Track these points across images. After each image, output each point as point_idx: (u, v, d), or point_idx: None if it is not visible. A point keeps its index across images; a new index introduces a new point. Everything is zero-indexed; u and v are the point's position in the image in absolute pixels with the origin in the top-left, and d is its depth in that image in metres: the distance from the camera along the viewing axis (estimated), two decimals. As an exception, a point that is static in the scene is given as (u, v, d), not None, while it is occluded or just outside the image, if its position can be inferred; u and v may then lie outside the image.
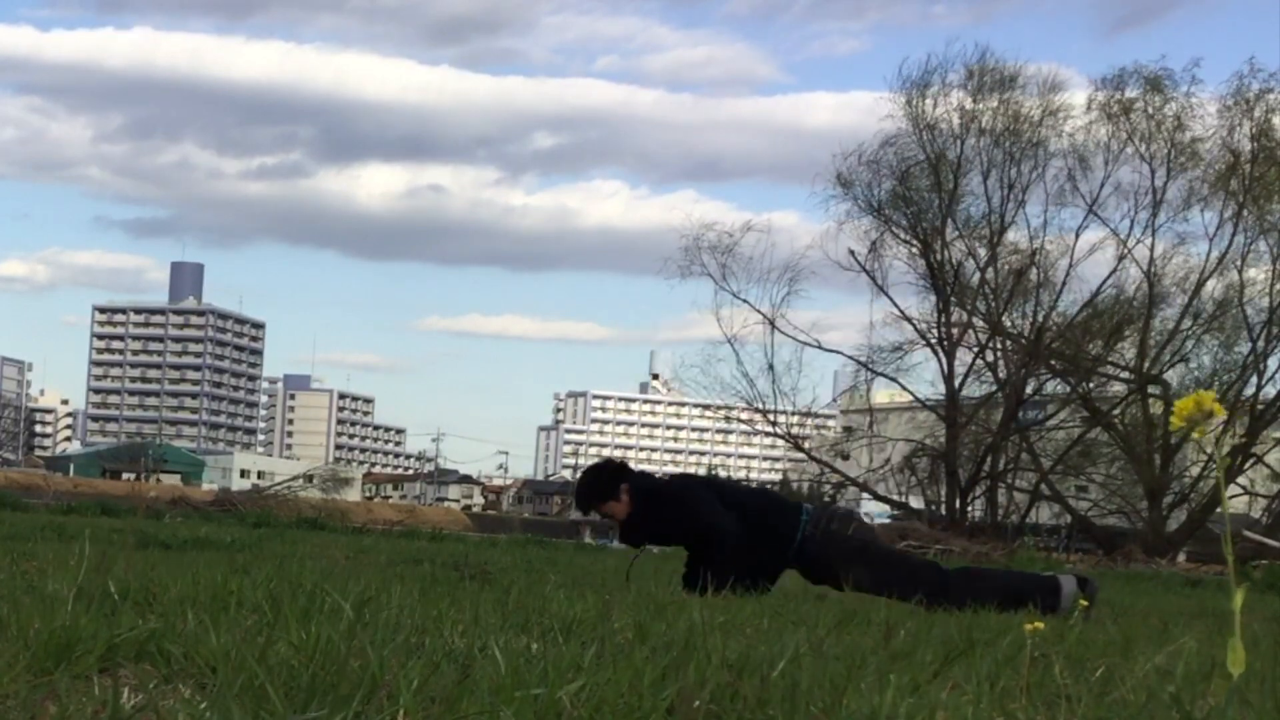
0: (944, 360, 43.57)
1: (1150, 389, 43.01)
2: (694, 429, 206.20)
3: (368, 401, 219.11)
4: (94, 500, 22.49)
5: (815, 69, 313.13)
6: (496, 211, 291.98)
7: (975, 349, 44.21)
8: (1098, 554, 34.42)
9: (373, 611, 3.74)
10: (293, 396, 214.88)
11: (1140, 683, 3.16)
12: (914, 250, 43.51)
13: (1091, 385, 43.97)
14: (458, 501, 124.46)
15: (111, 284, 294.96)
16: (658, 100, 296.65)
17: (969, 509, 43.46)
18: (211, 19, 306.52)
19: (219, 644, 2.74)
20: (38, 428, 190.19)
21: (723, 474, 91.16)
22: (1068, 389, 44.12)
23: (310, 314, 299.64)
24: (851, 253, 43.12)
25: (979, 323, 43.92)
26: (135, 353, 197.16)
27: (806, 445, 45.07)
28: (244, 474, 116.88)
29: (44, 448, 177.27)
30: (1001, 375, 43.91)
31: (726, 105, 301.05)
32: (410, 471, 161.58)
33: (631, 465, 7.61)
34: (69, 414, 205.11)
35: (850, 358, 44.53)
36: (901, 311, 43.48)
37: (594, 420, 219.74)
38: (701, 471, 79.19)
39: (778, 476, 76.04)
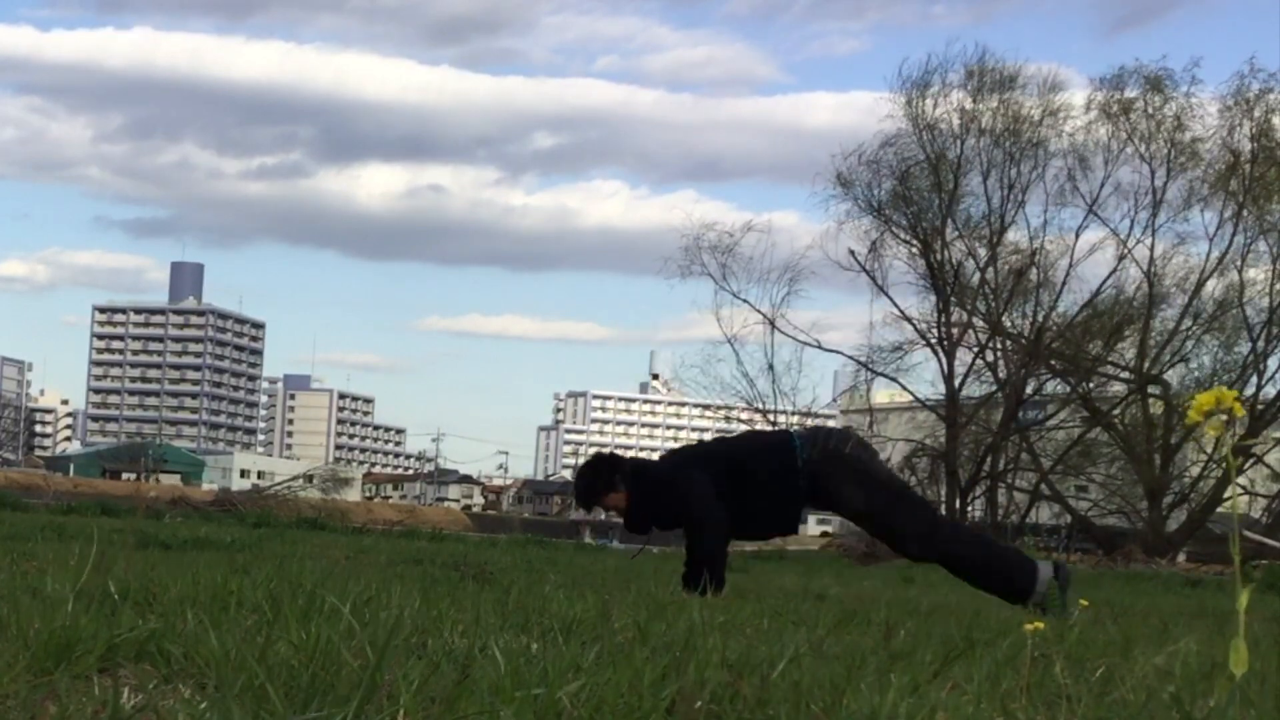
0: (944, 360, 43.57)
1: (1150, 389, 43.02)
2: (694, 429, 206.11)
3: (368, 401, 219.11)
4: (94, 500, 22.49)
5: (815, 69, 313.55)
6: (496, 211, 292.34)
7: (975, 349, 44.20)
8: (1098, 554, 34.42)
9: (373, 611, 3.74)
10: (293, 396, 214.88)
11: (1140, 683, 3.16)
12: (914, 250, 43.50)
13: (1091, 385, 43.96)
14: (458, 501, 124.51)
15: (111, 284, 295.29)
16: (658, 100, 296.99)
17: (969, 509, 43.44)
18: (211, 19, 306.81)
19: (219, 644, 2.74)
20: (38, 428, 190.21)
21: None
22: (1068, 389, 44.11)
23: (310, 314, 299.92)
24: (851, 253, 43.12)
25: (979, 323, 43.90)
26: (135, 353, 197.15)
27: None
28: (244, 474, 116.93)
29: (44, 448, 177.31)
30: (1001, 375, 43.89)
31: (726, 105, 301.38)
32: (410, 471, 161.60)
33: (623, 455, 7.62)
34: (69, 414, 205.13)
35: (850, 358, 44.47)
36: (901, 311, 43.49)
37: (594, 420, 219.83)
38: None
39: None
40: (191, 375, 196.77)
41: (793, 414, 43.47)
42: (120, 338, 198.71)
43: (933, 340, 43.69)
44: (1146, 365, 42.67)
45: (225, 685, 2.46)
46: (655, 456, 8.65)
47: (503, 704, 2.36)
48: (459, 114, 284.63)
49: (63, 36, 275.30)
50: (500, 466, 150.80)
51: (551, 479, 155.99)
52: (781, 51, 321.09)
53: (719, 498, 6.97)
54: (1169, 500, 42.98)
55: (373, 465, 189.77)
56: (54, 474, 64.20)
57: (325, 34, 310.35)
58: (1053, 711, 2.84)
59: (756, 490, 6.99)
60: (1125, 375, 43.60)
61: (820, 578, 12.06)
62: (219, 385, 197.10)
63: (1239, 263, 42.02)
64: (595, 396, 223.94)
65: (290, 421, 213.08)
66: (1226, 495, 40.54)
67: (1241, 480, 42.26)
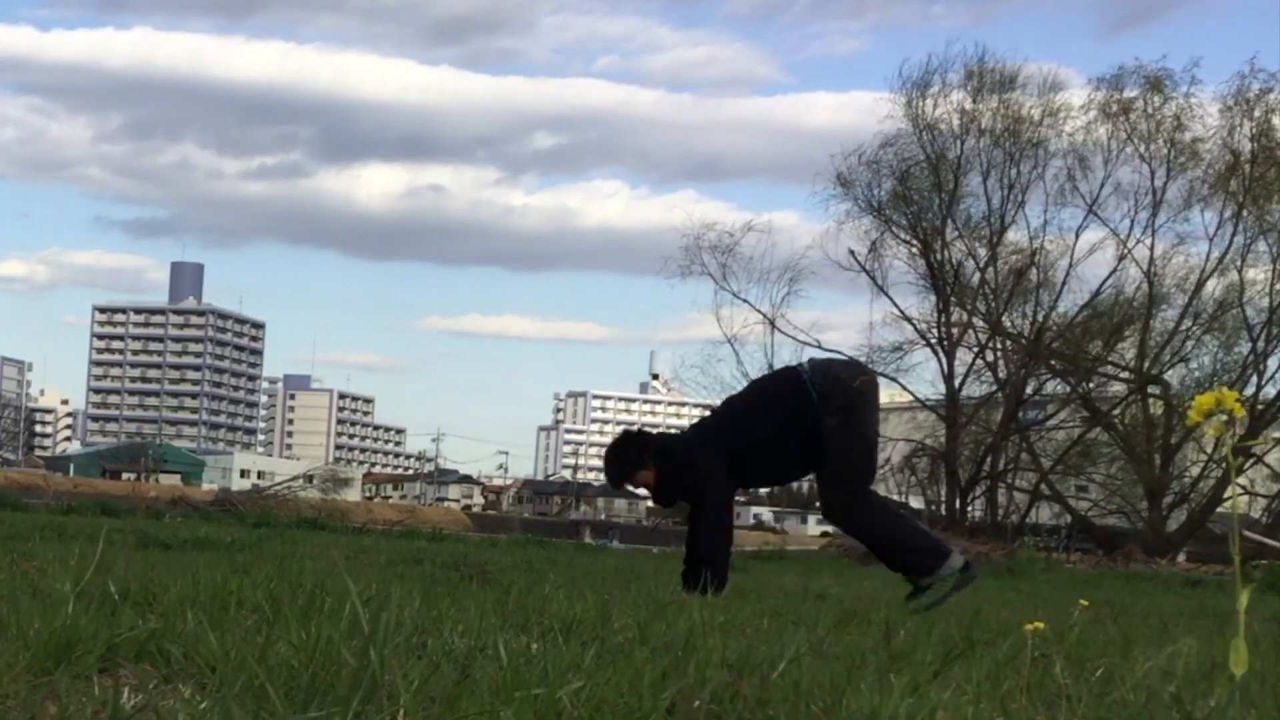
0: (944, 360, 43.59)
1: (1150, 389, 43.02)
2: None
3: (368, 401, 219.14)
4: (94, 500, 22.47)
5: (815, 69, 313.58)
6: (496, 211, 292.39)
7: (975, 349, 44.22)
8: (1098, 554, 34.42)
9: (372, 611, 3.74)
10: (293, 396, 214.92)
11: (1140, 683, 3.16)
12: (914, 250, 43.54)
13: (1091, 385, 43.97)
14: (458, 501, 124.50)
15: (111, 284, 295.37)
16: (658, 100, 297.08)
17: (969, 509, 43.46)
18: (211, 19, 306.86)
19: (219, 644, 2.73)
20: (38, 428, 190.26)
21: None
22: (1068, 389, 44.12)
23: (310, 314, 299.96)
24: (851, 253, 43.16)
25: (979, 323, 43.93)
26: (135, 353, 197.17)
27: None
28: (244, 474, 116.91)
29: (44, 448, 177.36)
30: (1001, 375, 43.91)
31: (726, 105, 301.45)
32: (410, 471, 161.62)
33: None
34: (69, 414, 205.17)
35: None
36: (901, 311, 43.53)
37: (594, 420, 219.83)
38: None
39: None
40: (191, 375, 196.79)
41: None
42: (120, 338, 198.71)
43: (933, 340, 43.73)
44: (1146, 365, 42.67)
45: (225, 685, 2.46)
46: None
47: (503, 704, 2.36)
48: (459, 114, 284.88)
49: (63, 36, 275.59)
50: (500, 466, 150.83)
51: (551, 479, 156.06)
52: (781, 51, 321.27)
53: (744, 465, 7.08)
54: (1169, 500, 42.99)
55: (373, 465, 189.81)
56: (54, 474, 64.18)
57: (325, 34, 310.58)
58: (1053, 711, 2.84)
59: (781, 447, 7.07)
60: (1125, 375, 43.60)
61: (820, 578, 12.05)
62: (219, 385, 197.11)
63: (1239, 263, 42.07)
64: (595, 396, 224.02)
65: (290, 421, 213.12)
66: (1226, 495, 40.53)
67: (1241, 480, 42.26)
